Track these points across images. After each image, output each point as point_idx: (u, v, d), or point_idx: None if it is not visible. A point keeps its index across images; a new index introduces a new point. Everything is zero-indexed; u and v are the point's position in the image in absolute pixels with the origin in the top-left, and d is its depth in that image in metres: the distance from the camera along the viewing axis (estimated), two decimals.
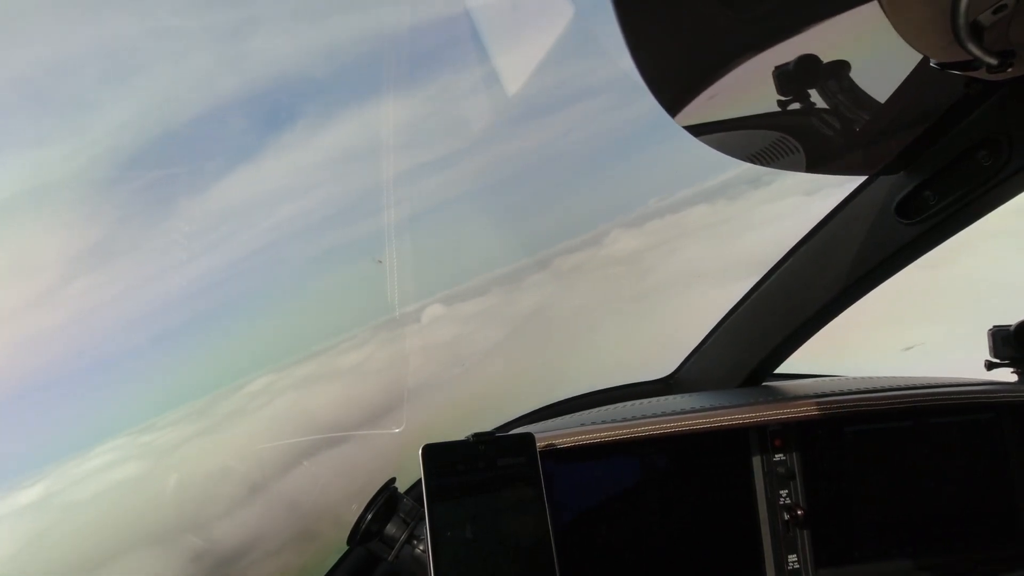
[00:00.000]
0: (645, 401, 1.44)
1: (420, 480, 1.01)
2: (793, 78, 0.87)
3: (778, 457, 1.26)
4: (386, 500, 1.09)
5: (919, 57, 0.78)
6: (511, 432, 1.15)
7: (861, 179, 1.20)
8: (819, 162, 1.09)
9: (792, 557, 1.24)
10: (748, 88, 0.88)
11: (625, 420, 1.26)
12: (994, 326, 1.41)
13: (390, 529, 1.08)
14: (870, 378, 1.45)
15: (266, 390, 2.06)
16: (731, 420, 1.24)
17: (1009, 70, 0.71)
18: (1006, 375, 1.41)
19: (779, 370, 1.61)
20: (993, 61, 0.69)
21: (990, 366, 1.41)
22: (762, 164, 1.06)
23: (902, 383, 1.36)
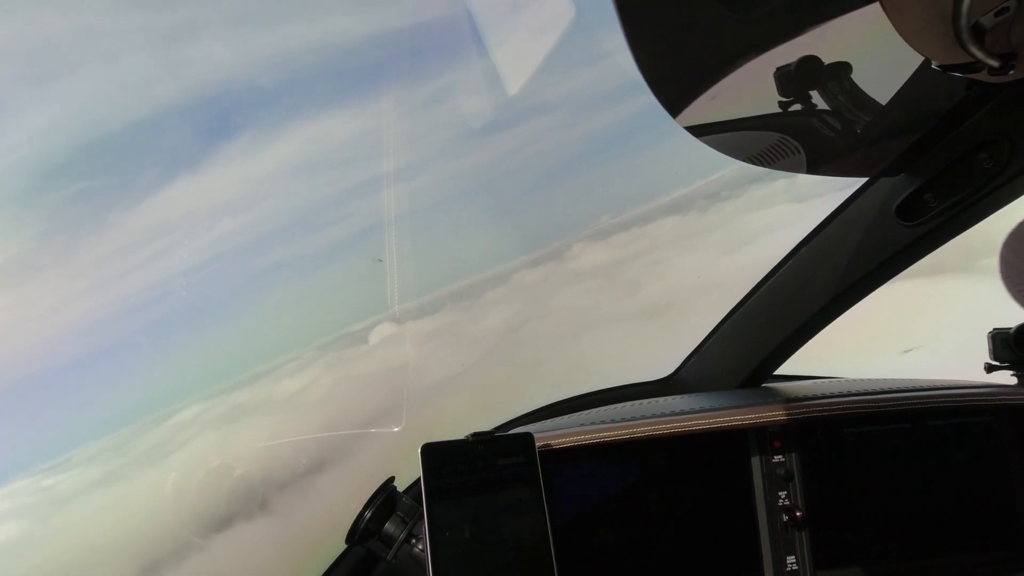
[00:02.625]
0: (645, 401, 1.44)
1: (419, 479, 1.01)
2: (795, 80, 0.87)
3: (777, 458, 1.26)
4: (385, 499, 1.09)
5: (920, 59, 0.78)
6: (510, 432, 1.15)
7: (861, 181, 1.20)
8: (820, 164, 1.09)
9: (791, 558, 1.24)
10: (750, 89, 0.88)
11: (624, 420, 1.26)
12: (994, 329, 1.41)
13: (389, 528, 1.08)
14: (870, 380, 1.45)
15: (194, 421, 1.83)
16: (730, 421, 1.24)
17: (1011, 72, 0.71)
18: (1006, 378, 1.41)
19: (779, 371, 1.61)
20: (994, 63, 0.69)
21: (990, 369, 1.41)
22: (764, 165, 1.06)
23: (902, 385, 1.36)
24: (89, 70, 1.56)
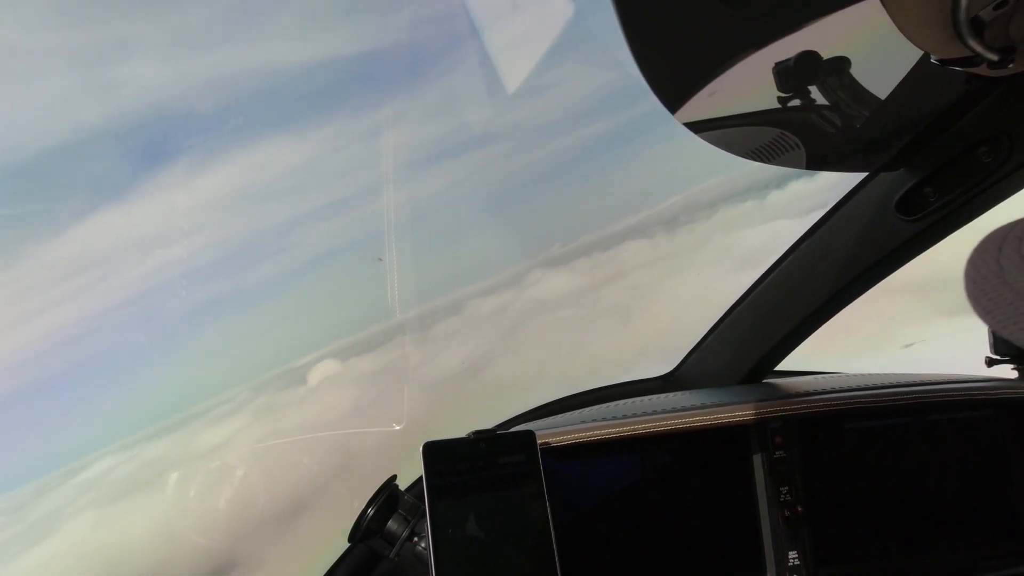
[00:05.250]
0: (646, 398, 1.44)
1: (421, 477, 1.01)
2: (794, 75, 0.87)
3: (779, 454, 1.26)
4: (387, 497, 1.09)
5: (920, 53, 0.78)
6: (512, 429, 1.15)
7: (861, 176, 1.20)
8: (820, 159, 1.09)
9: (793, 554, 1.24)
10: (750, 85, 0.88)
11: (626, 417, 1.26)
12: None
13: (391, 526, 1.08)
14: (870, 375, 1.45)
15: (99, 481, 1.66)
16: (732, 417, 1.24)
17: (1010, 66, 0.71)
18: (1006, 371, 1.41)
19: (780, 367, 1.61)
20: (994, 57, 0.69)
21: (990, 362, 1.41)
22: (763, 161, 1.06)
23: (902, 380, 1.36)
24: (5, 90, 1.45)
